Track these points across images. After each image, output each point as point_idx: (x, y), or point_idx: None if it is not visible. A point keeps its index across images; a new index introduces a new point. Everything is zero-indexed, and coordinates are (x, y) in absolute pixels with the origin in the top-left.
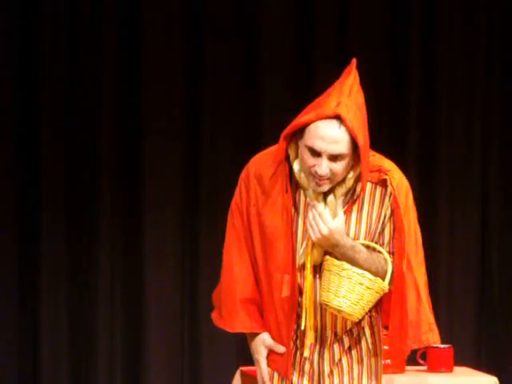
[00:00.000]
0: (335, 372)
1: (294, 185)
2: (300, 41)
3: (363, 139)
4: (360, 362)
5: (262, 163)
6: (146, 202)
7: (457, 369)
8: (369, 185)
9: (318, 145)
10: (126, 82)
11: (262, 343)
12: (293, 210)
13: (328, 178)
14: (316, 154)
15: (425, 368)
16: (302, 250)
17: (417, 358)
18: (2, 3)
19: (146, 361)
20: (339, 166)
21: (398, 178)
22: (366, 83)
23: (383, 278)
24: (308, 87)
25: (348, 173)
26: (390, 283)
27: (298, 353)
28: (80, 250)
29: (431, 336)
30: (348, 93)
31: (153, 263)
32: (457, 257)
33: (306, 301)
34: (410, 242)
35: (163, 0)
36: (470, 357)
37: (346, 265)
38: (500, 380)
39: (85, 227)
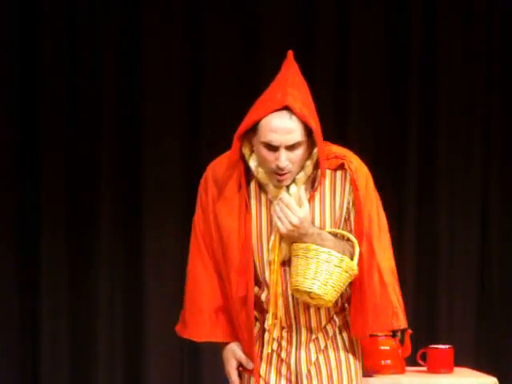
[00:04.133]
0: (313, 372)
1: (255, 183)
2: (300, 41)
3: (315, 124)
4: (338, 361)
5: (218, 167)
6: (147, 213)
7: (457, 369)
8: (328, 172)
9: (273, 138)
10: (125, 93)
11: (233, 355)
12: (252, 208)
13: (289, 172)
14: (273, 148)
15: (425, 369)
16: (270, 245)
17: (417, 358)
18: (1, 7)
19: (146, 361)
20: (297, 155)
21: (355, 163)
22: (366, 94)
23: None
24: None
25: (306, 160)
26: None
27: (275, 355)
28: (80, 249)
29: (395, 320)
30: (291, 83)
31: (153, 264)
32: (457, 257)
33: (272, 296)
34: (373, 226)
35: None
36: (470, 357)
37: (312, 245)
38: (500, 380)
39: (85, 234)
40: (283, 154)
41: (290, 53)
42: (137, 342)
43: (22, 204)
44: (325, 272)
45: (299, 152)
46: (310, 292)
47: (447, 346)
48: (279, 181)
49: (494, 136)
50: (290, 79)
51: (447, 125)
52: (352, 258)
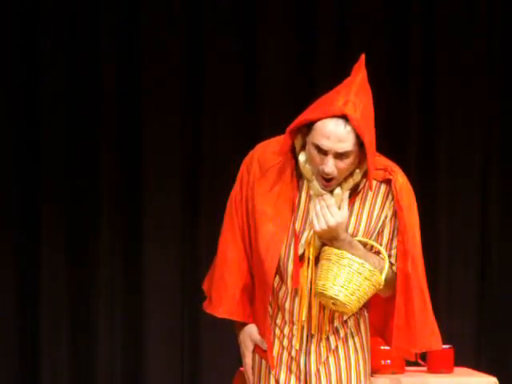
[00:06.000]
0: (322, 371)
1: (297, 176)
2: (300, 44)
3: (369, 137)
4: (348, 362)
5: (268, 150)
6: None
7: (457, 369)
8: (374, 182)
9: (324, 143)
10: (126, 97)
11: (249, 336)
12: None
13: (334, 178)
14: (322, 151)
15: (425, 369)
16: (303, 240)
17: (417, 358)
18: (2, 9)
19: (146, 361)
20: (345, 164)
21: (401, 180)
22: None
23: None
24: (307, 81)
25: (356, 168)
26: (385, 281)
27: (285, 352)
28: (80, 249)
29: (434, 340)
30: (356, 91)
31: (153, 262)
32: (457, 257)
33: (303, 291)
34: (415, 244)
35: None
36: (470, 357)
37: (346, 253)
38: (500, 380)
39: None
40: (330, 161)
41: (363, 56)
42: (137, 342)
43: (22, 211)
44: (354, 283)
45: (348, 161)
46: (336, 299)
47: (447, 346)
48: (324, 185)
49: (494, 136)
50: (356, 86)
51: (448, 125)
52: (380, 271)
